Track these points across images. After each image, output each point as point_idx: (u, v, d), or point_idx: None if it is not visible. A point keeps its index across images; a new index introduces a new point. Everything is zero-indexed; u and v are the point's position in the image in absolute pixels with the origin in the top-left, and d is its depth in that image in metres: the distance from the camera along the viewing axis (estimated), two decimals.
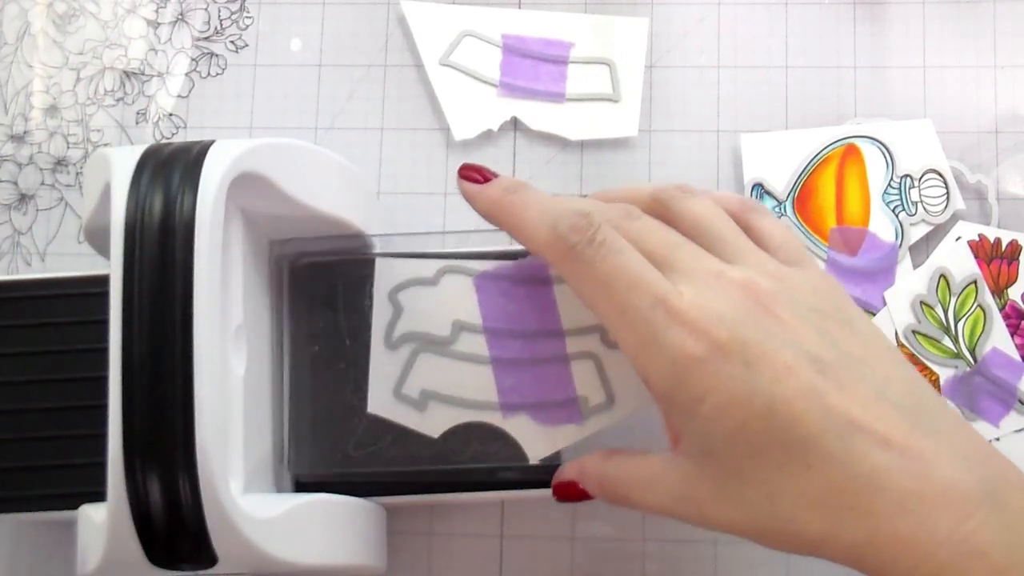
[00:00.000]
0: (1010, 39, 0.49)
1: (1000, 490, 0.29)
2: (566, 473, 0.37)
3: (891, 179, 0.47)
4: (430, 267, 0.39)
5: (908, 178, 0.47)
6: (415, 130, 0.50)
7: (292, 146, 0.38)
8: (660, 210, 0.35)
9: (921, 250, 0.47)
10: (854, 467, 0.29)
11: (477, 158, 0.49)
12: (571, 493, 0.37)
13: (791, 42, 0.50)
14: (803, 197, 0.47)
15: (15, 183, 0.51)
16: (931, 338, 0.44)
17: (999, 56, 0.49)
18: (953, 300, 0.44)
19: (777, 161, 0.48)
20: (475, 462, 0.40)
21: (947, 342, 0.44)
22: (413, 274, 0.39)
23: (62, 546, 0.47)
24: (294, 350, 0.42)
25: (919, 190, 0.47)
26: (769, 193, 0.47)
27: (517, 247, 0.43)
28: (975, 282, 0.44)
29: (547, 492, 0.41)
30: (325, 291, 0.42)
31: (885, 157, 0.47)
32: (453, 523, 0.46)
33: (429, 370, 0.39)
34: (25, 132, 0.51)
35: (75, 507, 0.37)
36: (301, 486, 0.41)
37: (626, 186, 0.37)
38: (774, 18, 0.50)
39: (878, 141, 0.47)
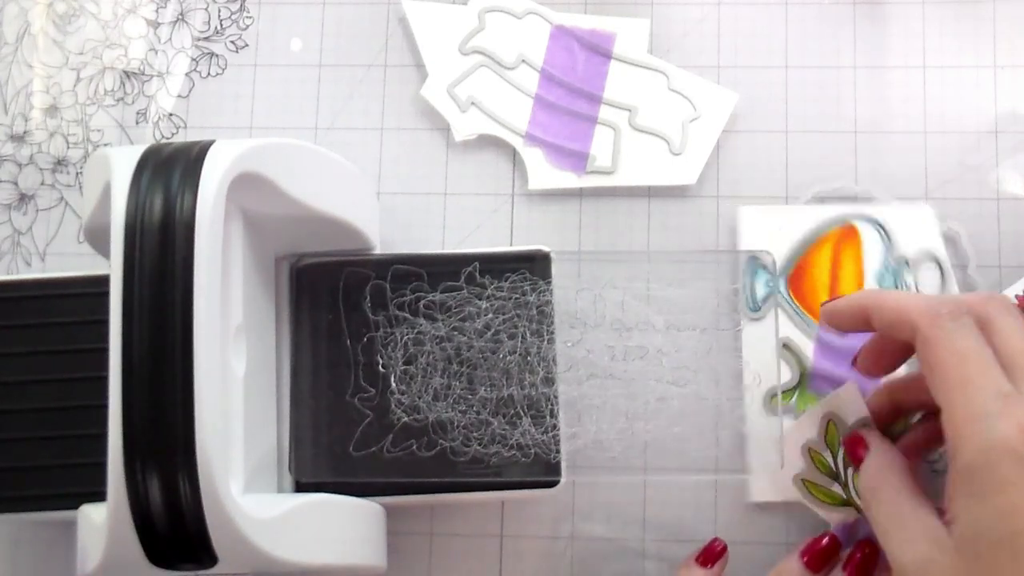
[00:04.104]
0: (1010, 39, 0.49)
1: None
2: (867, 439, 0.40)
3: (887, 262, 0.46)
4: (521, 5, 0.48)
5: (904, 262, 0.46)
6: (415, 130, 0.50)
7: (292, 146, 0.38)
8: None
9: None
10: None
11: (477, 159, 0.49)
12: (854, 450, 0.40)
13: (791, 42, 0.50)
14: (797, 274, 0.46)
15: (15, 183, 0.51)
16: (820, 486, 0.43)
17: (999, 56, 0.49)
18: (841, 448, 0.42)
19: (774, 236, 0.47)
20: (475, 463, 0.40)
21: (837, 489, 0.42)
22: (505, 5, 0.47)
23: (62, 546, 0.47)
24: (295, 350, 0.42)
25: (915, 275, 0.46)
26: (763, 267, 0.46)
27: (518, 247, 0.43)
28: (866, 425, 0.42)
29: (546, 492, 0.41)
30: (326, 291, 0.42)
31: (883, 239, 0.46)
32: (453, 523, 0.46)
33: (483, 83, 0.48)
34: (25, 132, 0.51)
35: (75, 507, 0.37)
36: (301, 486, 0.41)
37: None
38: (774, 18, 0.50)
39: (877, 223, 0.47)
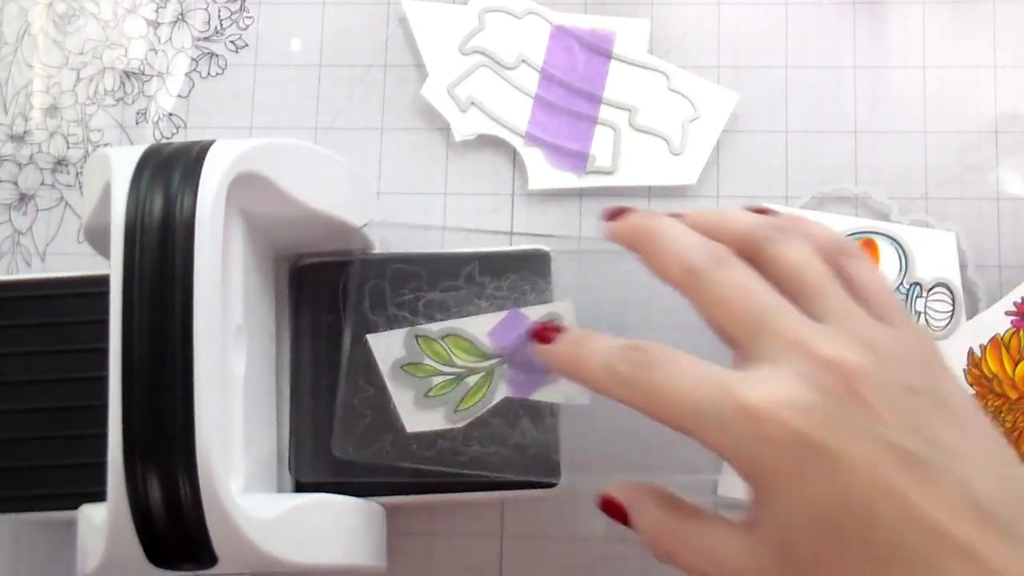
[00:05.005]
0: (1010, 39, 0.49)
1: None
2: (621, 497, 0.36)
3: (900, 283, 0.46)
4: (521, 5, 0.49)
5: (917, 286, 0.46)
6: (415, 130, 0.50)
7: (292, 146, 0.38)
8: (750, 252, 0.33)
9: None
10: None
11: (476, 160, 0.49)
12: (615, 514, 0.36)
13: (791, 42, 0.50)
14: None
15: (15, 183, 0.51)
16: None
17: (999, 56, 0.49)
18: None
19: None
20: (475, 463, 0.40)
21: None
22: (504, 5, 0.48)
23: (62, 546, 0.47)
24: (295, 350, 0.42)
25: (925, 301, 0.46)
26: None
27: (517, 247, 0.43)
28: None
29: (547, 492, 0.41)
30: (326, 291, 0.42)
31: (900, 259, 0.46)
32: (453, 523, 0.46)
33: (483, 83, 0.49)
34: (25, 132, 0.51)
35: (75, 507, 0.37)
36: (301, 486, 0.41)
37: (718, 213, 0.35)
38: (774, 18, 0.50)
39: (897, 242, 0.46)
